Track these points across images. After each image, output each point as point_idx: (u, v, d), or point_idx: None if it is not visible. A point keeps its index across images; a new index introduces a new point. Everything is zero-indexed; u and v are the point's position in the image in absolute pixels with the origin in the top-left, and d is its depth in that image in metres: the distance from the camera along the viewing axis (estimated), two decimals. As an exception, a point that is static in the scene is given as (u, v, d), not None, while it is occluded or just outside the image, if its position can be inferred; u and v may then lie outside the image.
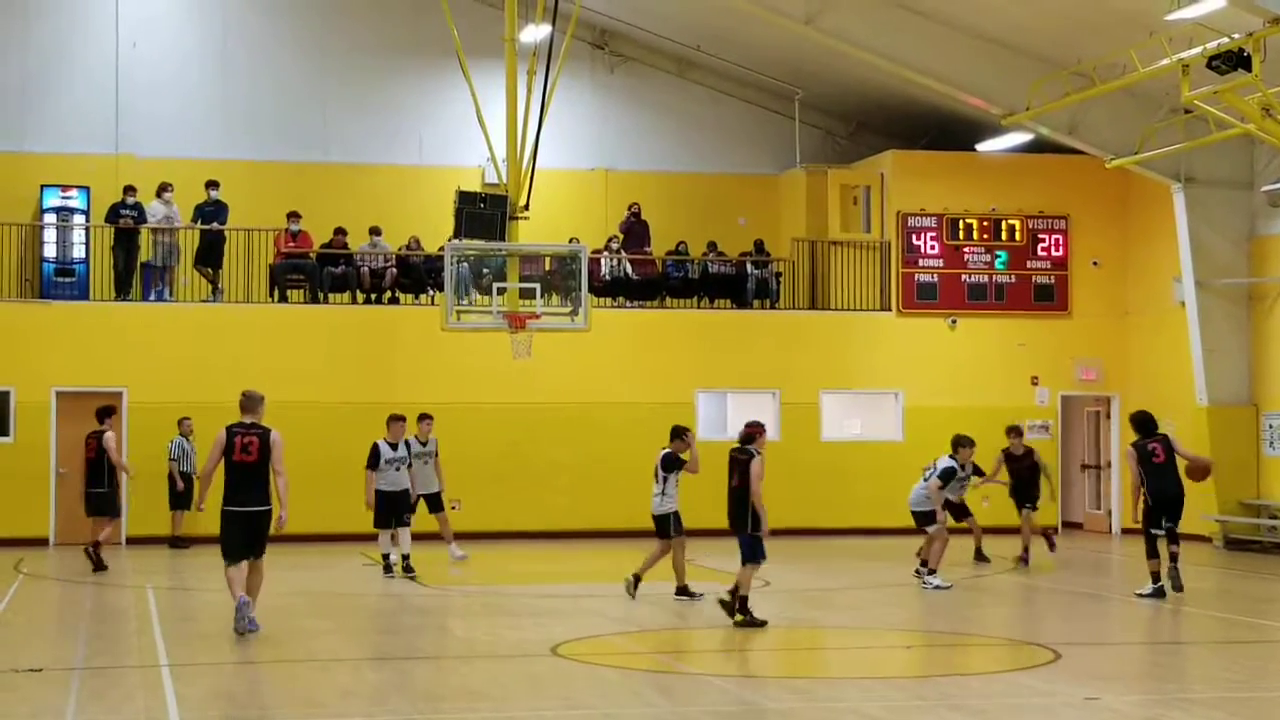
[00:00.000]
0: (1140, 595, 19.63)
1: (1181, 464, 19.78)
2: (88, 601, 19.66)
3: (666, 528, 19.11)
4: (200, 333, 27.48)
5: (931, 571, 21.02)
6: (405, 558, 21.92)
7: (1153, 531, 19.61)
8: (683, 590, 19.18)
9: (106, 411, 23.29)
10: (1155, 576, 19.63)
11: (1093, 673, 14.42)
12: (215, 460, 16.08)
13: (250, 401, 16.25)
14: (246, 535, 15.92)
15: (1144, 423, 20.01)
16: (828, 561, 24.59)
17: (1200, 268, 27.59)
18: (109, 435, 23.09)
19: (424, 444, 22.86)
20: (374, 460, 21.99)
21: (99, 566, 22.42)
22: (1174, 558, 19.70)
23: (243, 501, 15.85)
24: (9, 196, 28.32)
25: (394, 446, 22.09)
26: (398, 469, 22.02)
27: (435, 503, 23.17)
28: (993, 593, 21.06)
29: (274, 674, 14.33)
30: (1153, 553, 19.65)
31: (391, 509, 21.94)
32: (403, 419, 22.28)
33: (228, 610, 18.23)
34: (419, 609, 19.17)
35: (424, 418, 23.05)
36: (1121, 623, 18.76)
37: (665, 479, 19.08)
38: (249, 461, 15.84)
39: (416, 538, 22.39)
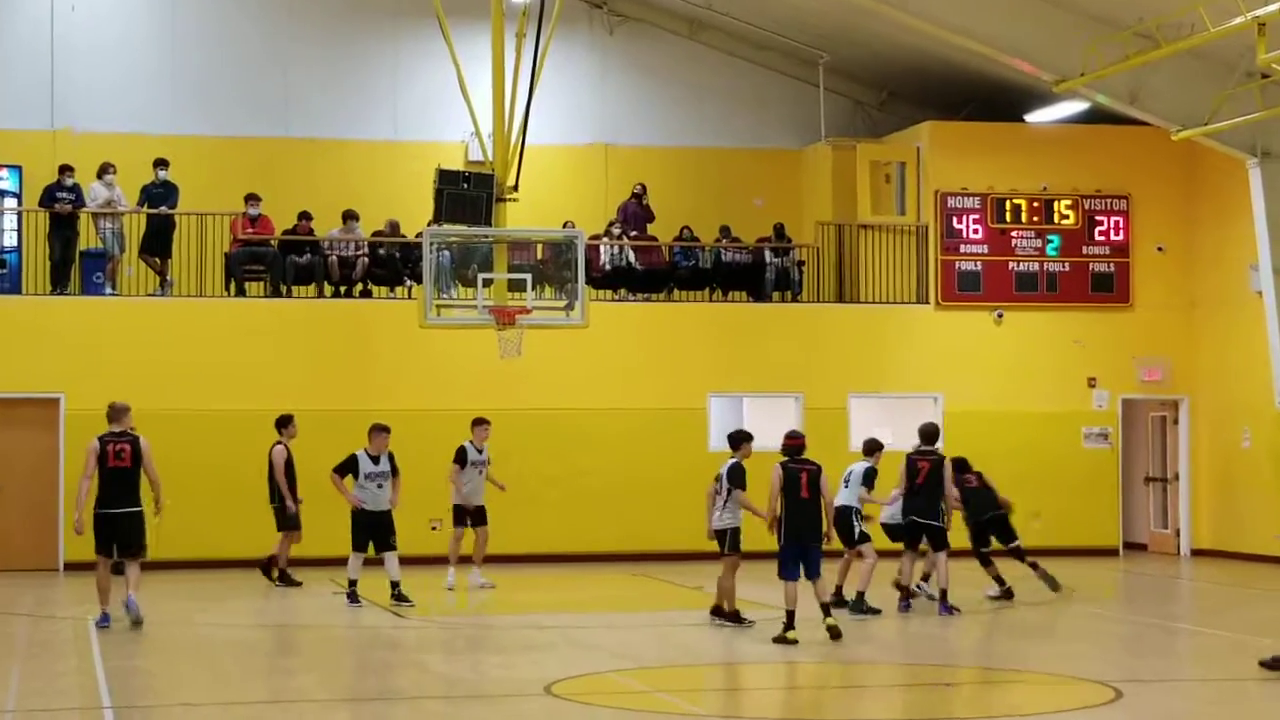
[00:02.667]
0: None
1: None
2: (20, 635, 19.69)
3: (723, 543, 19.50)
4: (147, 331, 27.49)
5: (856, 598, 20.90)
6: (395, 585, 21.91)
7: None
8: (717, 611, 19.61)
9: (282, 422, 24.41)
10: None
11: (1159, 713, 14.45)
12: (91, 470, 19.24)
13: (115, 412, 19.58)
14: (118, 535, 19.18)
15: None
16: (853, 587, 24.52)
17: (1279, 252, 27.57)
18: (276, 449, 24.27)
19: (480, 451, 23.70)
20: (349, 468, 22.04)
21: (287, 583, 24.19)
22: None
23: (114, 504, 19.18)
24: (-70, 177, 28.42)
25: (375, 459, 22.14)
26: (380, 485, 22.05)
27: (480, 516, 23.73)
28: (1043, 623, 21.07)
29: (233, 719, 14.36)
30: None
31: (373, 531, 21.98)
32: (387, 429, 22.36)
33: (178, 645, 18.34)
34: (395, 643, 19.21)
35: (481, 422, 23.78)
36: (1190, 657, 18.79)
37: (730, 491, 19.44)
38: (122, 467, 19.19)
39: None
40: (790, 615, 18.17)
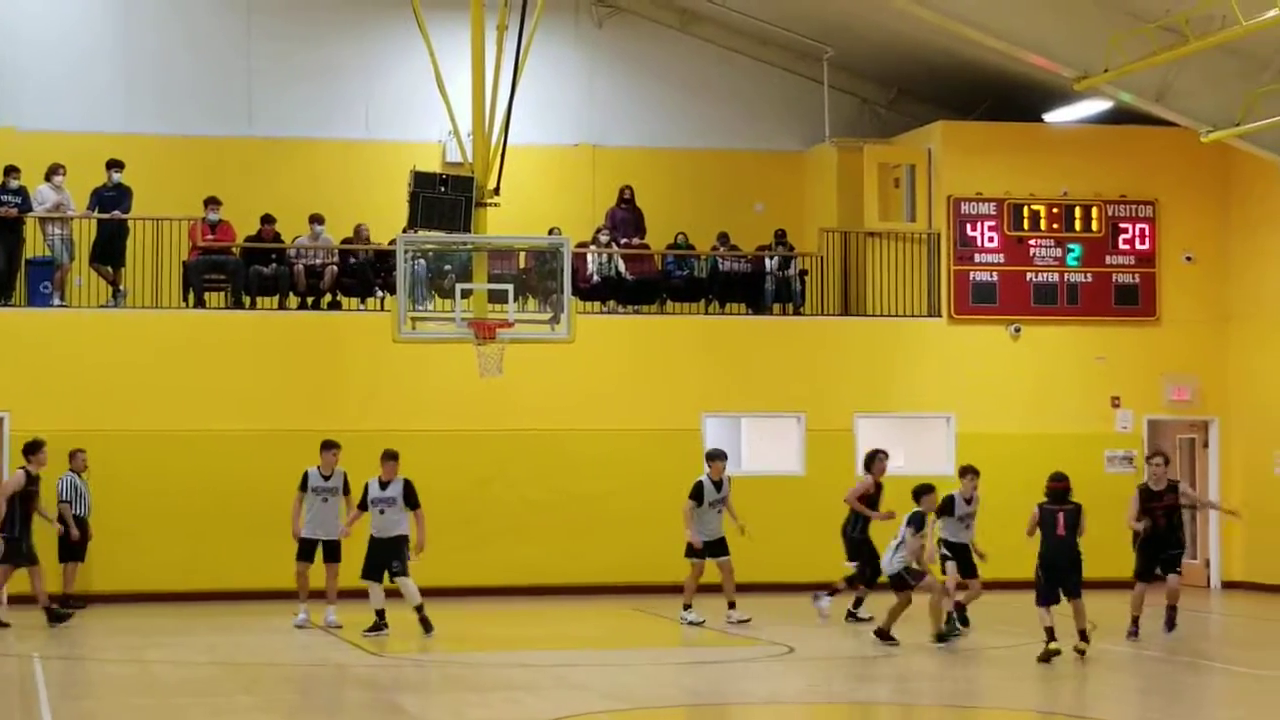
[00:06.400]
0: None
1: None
2: (-40, 674, 19.63)
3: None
4: (98, 345, 27.42)
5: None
6: (418, 609, 22.63)
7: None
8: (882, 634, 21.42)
9: (30, 448, 23.95)
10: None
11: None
12: None
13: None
14: None
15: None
16: (863, 622, 24.53)
17: (1317, 263, 27.63)
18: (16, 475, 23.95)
19: (327, 478, 23.39)
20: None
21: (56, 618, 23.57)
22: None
23: None
24: None
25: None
26: (382, 511, 22.69)
27: (334, 551, 23.64)
28: (1063, 660, 21.02)
29: (188, 762, 14.30)
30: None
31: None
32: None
33: (129, 685, 18.26)
34: (365, 681, 19.13)
35: (330, 446, 23.57)
36: (1218, 697, 18.74)
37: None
38: None
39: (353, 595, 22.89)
40: (1049, 631, 19.92)
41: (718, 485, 23.99)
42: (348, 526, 23.10)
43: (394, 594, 22.96)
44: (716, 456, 24.25)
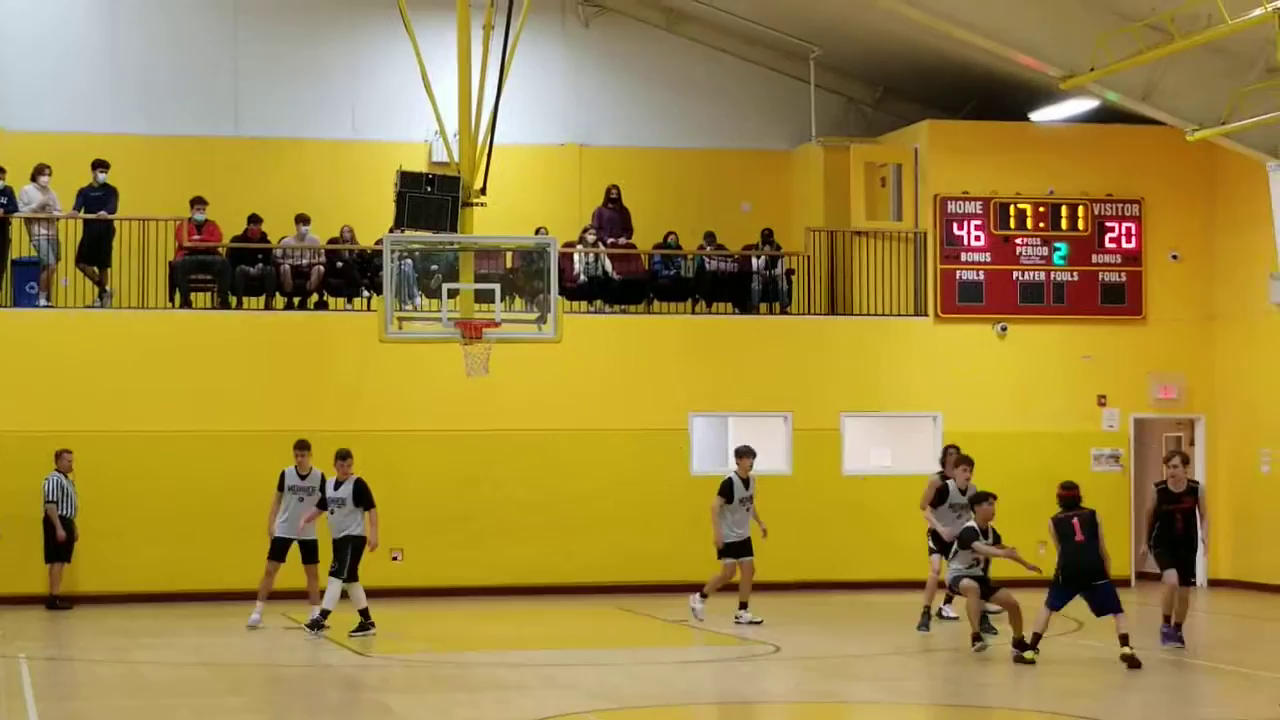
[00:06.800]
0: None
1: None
2: (-54, 675, 19.58)
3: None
4: (84, 345, 27.37)
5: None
6: (325, 613, 22.40)
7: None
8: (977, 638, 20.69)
9: None
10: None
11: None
12: None
13: None
14: None
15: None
16: (850, 622, 24.53)
17: (1302, 262, 27.64)
18: None
19: (303, 477, 23.38)
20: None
21: None
22: None
23: None
24: None
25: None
26: (332, 511, 22.55)
27: (311, 552, 23.66)
28: (1047, 658, 21.02)
29: (175, 763, 14.28)
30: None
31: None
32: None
33: (116, 685, 18.23)
34: (352, 682, 19.12)
35: (303, 446, 23.54)
36: (1220, 696, 18.75)
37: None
38: None
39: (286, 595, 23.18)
40: (1036, 637, 19.62)
41: (745, 483, 23.78)
42: (303, 521, 22.93)
43: (374, 594, 22.92)
44: (745, 454, 23.93)
